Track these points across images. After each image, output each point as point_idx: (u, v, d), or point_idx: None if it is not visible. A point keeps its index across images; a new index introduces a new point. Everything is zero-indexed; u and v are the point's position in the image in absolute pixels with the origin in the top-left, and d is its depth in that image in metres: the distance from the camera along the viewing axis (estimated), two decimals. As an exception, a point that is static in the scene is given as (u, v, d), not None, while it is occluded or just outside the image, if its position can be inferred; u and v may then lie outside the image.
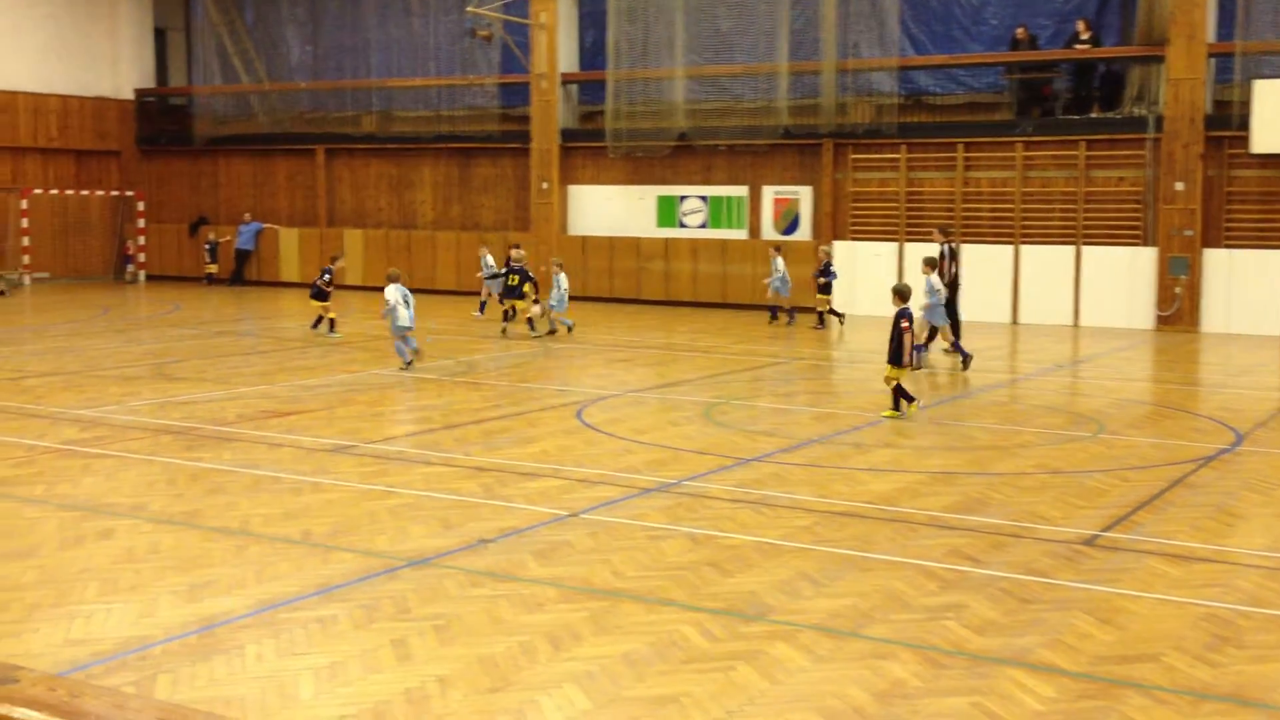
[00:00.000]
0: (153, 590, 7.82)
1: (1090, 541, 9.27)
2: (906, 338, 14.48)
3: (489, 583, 8.03)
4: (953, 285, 20.64)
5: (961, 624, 7.35)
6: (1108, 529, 9.63)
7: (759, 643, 7.00)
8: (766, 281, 25.40)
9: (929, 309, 18.92)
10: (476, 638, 7.02)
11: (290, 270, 34.60)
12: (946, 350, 19.66)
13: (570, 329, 22.61)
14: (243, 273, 34.96)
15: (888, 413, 14.52)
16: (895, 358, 14.52)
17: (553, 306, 22.55)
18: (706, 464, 11.87)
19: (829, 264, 24.56)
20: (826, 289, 24.35)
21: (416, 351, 18.12)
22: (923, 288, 18.75)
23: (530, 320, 22.58)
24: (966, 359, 18.82)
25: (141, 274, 36.35)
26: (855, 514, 10.01)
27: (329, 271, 22.86)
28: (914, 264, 23.78)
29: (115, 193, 36.68)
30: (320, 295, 22.48)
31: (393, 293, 17.95)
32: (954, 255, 21.02)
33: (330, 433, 13.26)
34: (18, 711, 1.79)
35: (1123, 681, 6.50)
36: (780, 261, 25.17)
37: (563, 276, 22.90)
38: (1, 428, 13.39)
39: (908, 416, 14.46)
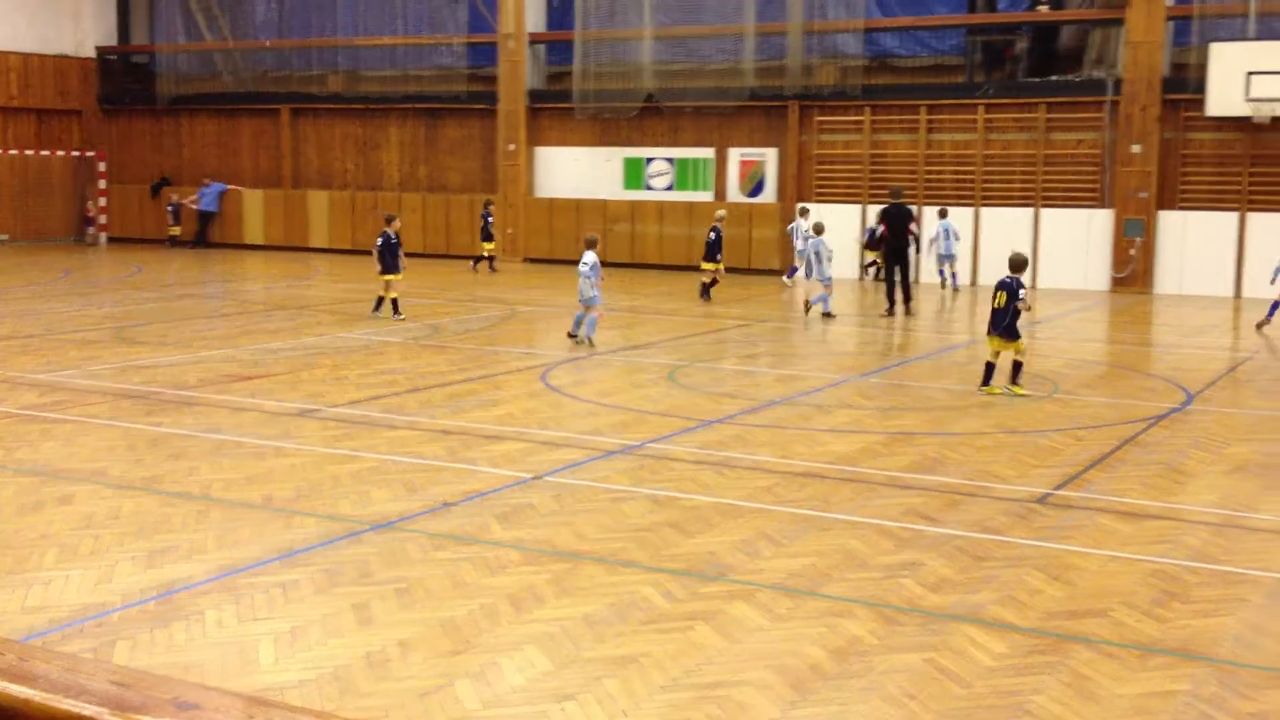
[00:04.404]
0: (112, 556, 7.82)
1: (1043, 500, 9.42)
2: (1022, 309, 13.55)
3: (451, 546, 8.09)
4: (876, 245, 21.74)
5: (917, 582, 7.48)
6: (1060, 487, 9.78)
7: (718, 602, 7.09)
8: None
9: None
10: (438, 601, 7.08)
11: (254, 232, 34.35)
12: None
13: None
14: (206, 235, 34.69)
15: (1019, 390, 13.61)
16: (1011, 331, 13.57)
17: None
18: (669, 426, 11.94)
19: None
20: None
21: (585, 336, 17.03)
22: (810, 246, 21.18)
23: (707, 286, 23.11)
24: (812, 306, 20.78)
25: (103, 236, 35.99)
26: (815, 474, 10.11)
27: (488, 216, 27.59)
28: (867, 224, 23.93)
29: (76, 153, 36.24)
30: (487, 237, 27.49)
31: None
32: (882, 217, 21.79)
33: (294, 396, 13.25)
34: (-35, 677, 1.80)
35: (1072, 636, 6.63)
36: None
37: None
38: (-38, 393, 13.31)
39: (1011, 392, 13.65)
